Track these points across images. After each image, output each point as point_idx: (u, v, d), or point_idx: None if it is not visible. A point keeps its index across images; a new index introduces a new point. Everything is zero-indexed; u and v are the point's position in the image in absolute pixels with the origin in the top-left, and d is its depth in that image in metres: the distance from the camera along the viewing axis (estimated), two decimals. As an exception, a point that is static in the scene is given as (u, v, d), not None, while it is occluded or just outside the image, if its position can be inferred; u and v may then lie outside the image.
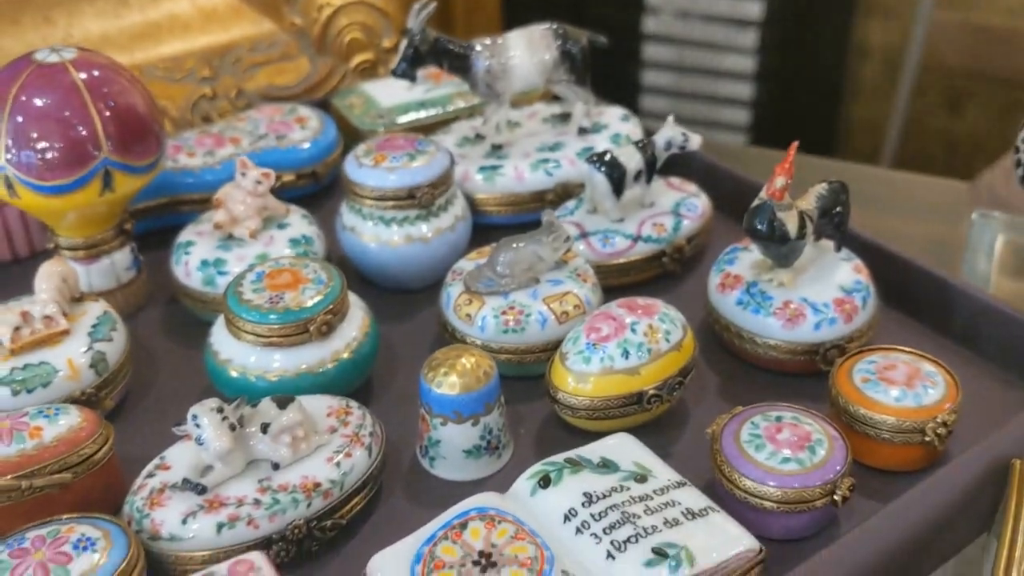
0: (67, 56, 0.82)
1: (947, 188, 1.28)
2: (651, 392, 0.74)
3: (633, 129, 1.06)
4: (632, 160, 0.91)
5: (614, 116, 1.07)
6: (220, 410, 0.66)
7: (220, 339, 0.78)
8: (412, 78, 0.98)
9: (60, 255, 0.88)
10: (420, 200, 0.89)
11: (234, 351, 0.77)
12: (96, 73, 0.82)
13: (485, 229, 1.00)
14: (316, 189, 1.08)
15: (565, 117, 1.07)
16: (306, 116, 1.09)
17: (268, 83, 1.23)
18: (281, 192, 1.03)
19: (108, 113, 0.81)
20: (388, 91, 1.16)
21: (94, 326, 0.80)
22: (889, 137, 2.03)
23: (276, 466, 0.68)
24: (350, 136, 1.13)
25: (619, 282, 0.91)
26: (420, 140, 0.93)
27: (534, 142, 1.04)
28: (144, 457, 0.72)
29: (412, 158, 0.90)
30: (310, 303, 0.76)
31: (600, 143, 1.02)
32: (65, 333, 0.78)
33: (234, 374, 0.77)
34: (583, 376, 0.74)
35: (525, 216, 1.01)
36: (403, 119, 1.12)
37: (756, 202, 0.78)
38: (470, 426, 0.72)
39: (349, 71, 1.27)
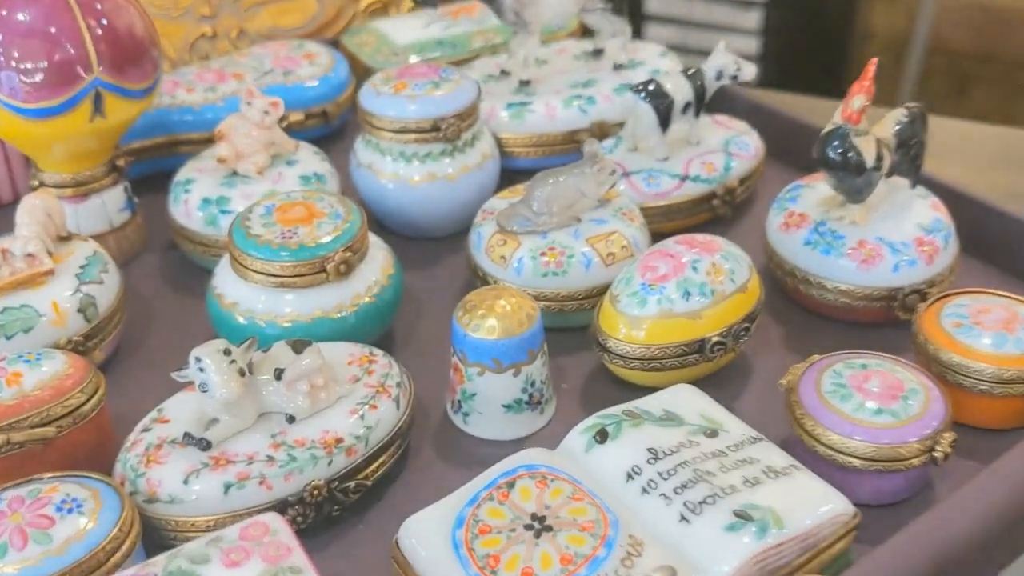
0: (53, -35, 0.73)
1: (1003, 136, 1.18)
2: (715, 339, 0.65)
3: (672, 65, 0.97)
4: (680, 90, 0.82)
5: (652, 52, 0.98)
6: (228, 352, 0.57)
7: (225, 280, 0.70)
8: (434, 4, 0.89)
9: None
10: (445, 133, 0.80)
11: (241, 293, 0.68)
12: (87, -15, 0.73)
13: (512, 173, 0.91)
14: (326, 131, 0.99)
15: (597, 54, 0.98)
16: (315, 52, 1.00)
17: (272, 24, 1.13)
18: (288, 133, 0.95)
19: (100, 31, 0.72)
20: (402, 29, 1.07)
21: (82, 267, 0.71)
22: None
23: (292, 418, 0.59)
24: (362, 76, 1.03)
25: (665, 227, 0.82)
26: (444, 68, 0.84)
27: (565, 79, 0.95)
28: (139, 414, 0.63)
29: (436, 86, 0.81)
30: (327, 239, 0.68)
31: (638, 79, 0.93)
32: (49, 273, 0.69)
33: (241, 319, 0.68)
34: (637, 321, 0.65)
35: (556, 159, 0.92)
36: (419, 58, 1.03)
37: (829, 127, 0.69)
38: (511, 376, 0.63)
39: (358, 12, 1.18)
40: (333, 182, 0.83)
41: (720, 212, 0.84)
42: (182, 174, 0.82)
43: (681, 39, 1.89)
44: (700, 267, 0.66)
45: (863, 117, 0.68)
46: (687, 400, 0.60)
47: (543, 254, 0.72)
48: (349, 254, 0.68)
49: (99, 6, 0.73)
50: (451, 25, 1.07)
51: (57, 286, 0.69)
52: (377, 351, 0.65)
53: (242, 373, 0.57)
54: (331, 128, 0.99)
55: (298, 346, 0.60)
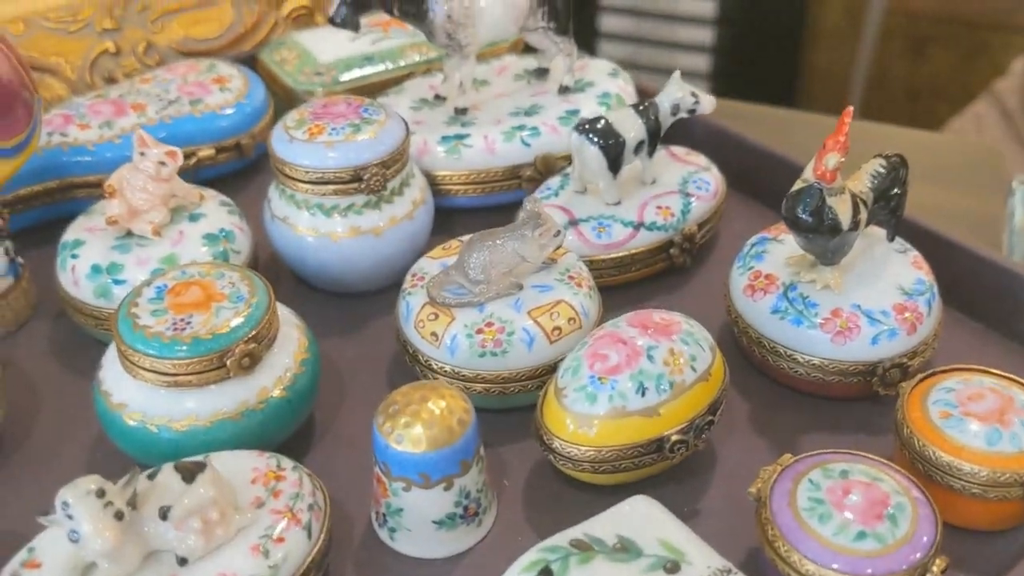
0: None
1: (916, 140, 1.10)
2: (675, 437, 0.57)
3: (624, 87, 0.88)
4: (631, 128, 0.73)
5: (600, 71, 0.89)
6: (101, 493, 0.48)
7: (112, 376, 0.60)
8: (355, 27, 0.79)
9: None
10: (369, 184, 0.71)
11: (130, 393, 0.59)
12: (-63, 27, 0.63)
13: (448, 213, 0.82)
14: (241, 165, 0.89)
15: (542, 73, 0.89)
16: (227, 75, 0.90)
17: (184, 35, 1.02)
18: (197, 172, 0.85)
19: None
20: (327, 43, 0.97)
21: (-54, 360, 0.61)
22: (854, 85, 1.92)
23: (183, 560, 0.50)
24: (282, 99, 0.94)
25: (617, 280, 0.74)
26: (366, 105, 0.74)
27: (506, 104, 0.86)
28: (18, 533, 0.55)
29: (357, 129, 0.71)
30: (226, 328, 0.58)
31: (586, 104, 0.84)
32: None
33: (131, 422, 0.59)
34: (586, 419, 0.57)
35: (496, 196, 0.83)
36: (346, 77, 0.93)
37: (799, 184, 0.61)
38: (442, 491, 0.55)
39: (281, 20, 1.07)
40: (243, 239, 0.73)
41: (678, 262, 0.76)
42: (70, 234, 0.72)
43: (632, 56, 1.82)
44: (656, 355, 0.57)
45: (838, 176, 0.60)
46: (645, 519, 0.52)
47: (480, 331, 0.63)
48: (254, 345, 0.59)
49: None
50: (381, 38, 0.97)
51: (-87, 388, 0.59)
52: (286, 462, 0.56)
53: (119, 516, 0.48)
54: (246, 162, 0.89)
55: (188, 472, 0.51)
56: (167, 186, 0.71)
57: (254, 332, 0.59)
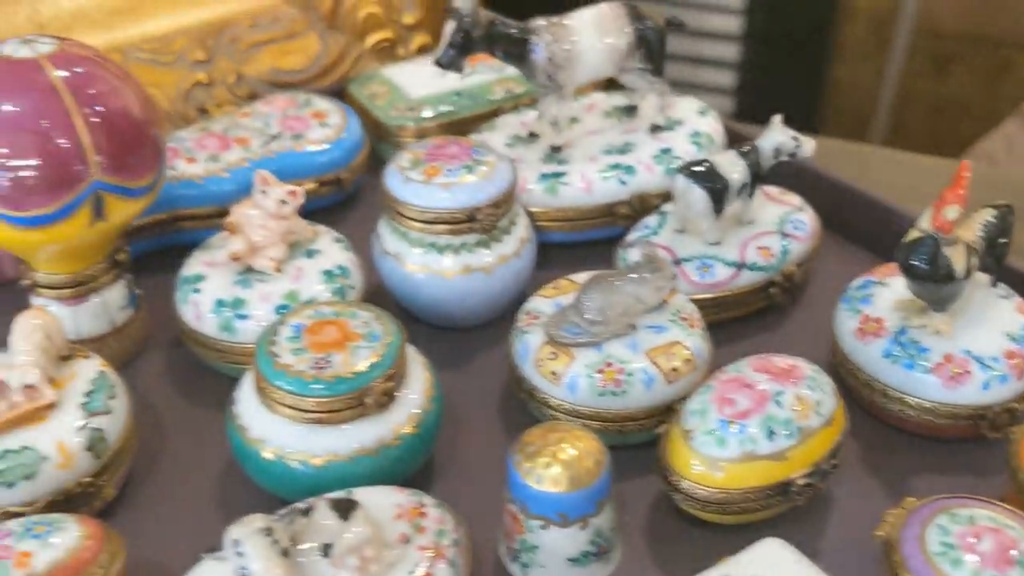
0: (43, 49, 0.65)
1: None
2: (801, 481, 0.59)
3: (713, 125, 0.90)
4: (735, 170, 0.75)
5: (689, 110, 0.91)
6: (269, 532, 0.50)
7: (249, 411, 0.62)
8: (459, 68, 0.81)
9: (35, 294, 0.72)
10: (482, 223, 0.73)
11: (269, 428, 0.61)
12: (79, 70, 0.65)
13: (543, 248, 0.84)
14: (339, 199, 0.91)
15: (631, 111, 0.91)
16: (325, 110, 0.92)
17: (272, 66, 1.05)
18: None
19: (96, 120, 0.64)
20: (415, 77, 0.99)
21: (88, 394, 0.63)
22: (879, 102, 1.94)
23: (336, 597, 0.52)
24: (373, 132, 0.96)
25: (717, 319, 0.76)
26: (476, 147, 0.76)
27: (598, 142, 0.88)
28: (154, 565, 0.57)
29: (470, 170, 0.74)
30: (364, 367, 0.61)
31: (678, 143, 0.87)
32: (51, 407, 0.62)
33: (269, 456, 0.61)
34: (715, 462, 0.59)
35: (591, 233, 0.85)
36: (435, 112, 0.95)
37: (915, 234, 0.63)
38: (578, 530, 0.57)
39: (364, 52, 1.10)
40: (357, 275, 0.75)
41: (778, 301, 0.78)
42: (190, 268, 0.74)
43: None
44: (784, 401, 0.59)
45: (955, 227, 0.62)
46: (779, 561, 0.54)
47: (600, 371, 0.65)
48: (391, 383, 0.61)
49: (93, 91, 0.64)
50: (469, 74, 1.00)
51: (61, 421, 0.61)
52: (427, 500, 0.58)
53: (286, 553, 0.50)
54: (345, 194, 0.91)
55: (344, 509, 0.53)
56: (286, 223, 0.73)
57: (391, 371, 0.61)
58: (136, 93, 0.67)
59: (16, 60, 0.63)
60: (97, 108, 0.64)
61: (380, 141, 0.96)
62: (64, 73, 0.64)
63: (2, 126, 0.62)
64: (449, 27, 0.79)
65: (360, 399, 0.60)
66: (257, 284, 0.72)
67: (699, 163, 0.75)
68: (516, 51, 0.81)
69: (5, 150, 0.62)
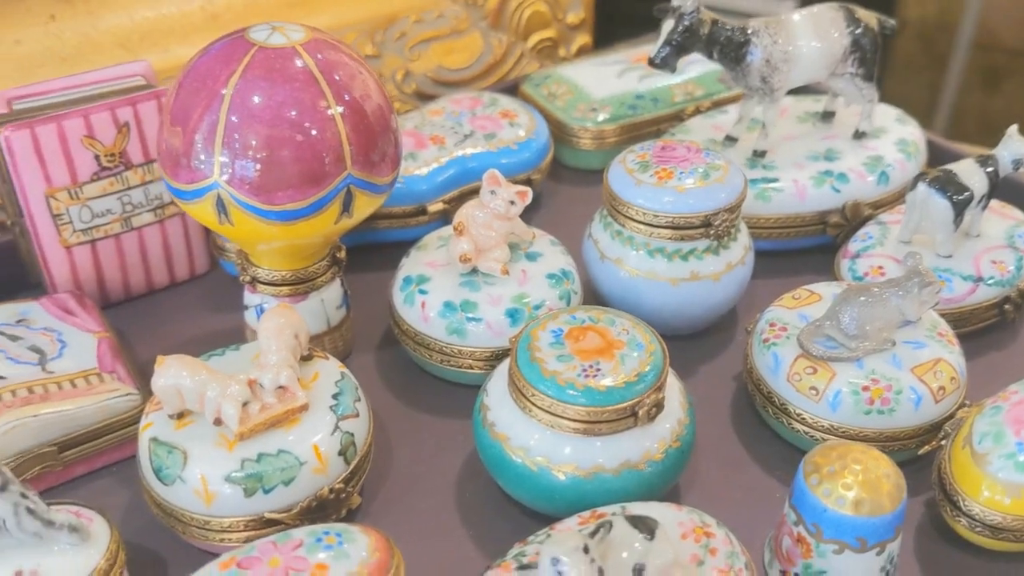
0: (295, 37, 0.62)
1: None
2: (1105, 510, 0.56)
3: (916, 133, 0.87)
4: (974, 180, 0.72)
5: (887, 117, 0.88)
6: (587, 550, 0.47)
7: (507, 419, 0.60)
8: (673, 68, 0.79)
9: (253, 290, 0.69)
10: (717, 229, 0.70)
11: (532, 437, 0.58)
12: (331, 59, 0.62)
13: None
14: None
15: (827, 117, 0.88)
16: (513, 110, 0.89)
17: (438, 64, 1.03)
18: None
19: (349, 112, 0.61)
20: (594, 79, 0.97)
21: (335, 396, 0.61)
22: (936, 116, 1.91)
23: (644, 620, 0.50)
24: (554, 134, 0.94)
25: (950, 334, 0.73)
26: (706, 151, 0.74)
27: (799, 149, 0.85)
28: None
29: (706, 175, 0.71)
30: (634, 376, 0.58)
31: (886, 150, 0.84)
32: (303, 409, 0.59)
33: (532, 467, 0.58)
34: (1015, 488, 0.55)
35: (799, 242, 0.83)
36: (617, 114, 0.93)
37: None
38: (874, 555, 0.54)
39: (527, 51, 1.08)
40: (577, 279, 0.73)
41: (1010, 317, 0.74)
42: (411, 269, 0.72)
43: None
44: (1085, 425, 0.56)
45: None
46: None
47: (865, 388, 0.62)
48: (661, 395, 0.58)
49: (343, 81, 0.62)
50: (647, 75, 0.97)
51: (313, 425, 0.59)
52: (709, 519, 0.55)
53: (601, 573, 0.48)
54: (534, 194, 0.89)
55: (648, 528, 0.50)
56: (509, 224, 0.71)
57: (660, 381, 0.58)
58: (377, 84, 0.65)
59: (274, 48, 0.61)
60: (347, 98, 0.62)
61: (557, 142, 0.94)
62: (319, 62, 0.61)
63: (262, 116, 0.59)
64: (667, 26, 0.77)
65: (632, 410, 0.57)
66: (484, 287, 0.69)
67: (942, 173, 0.72)
68: (733, 52, 0.78)
69: (262, 141, 0.59)
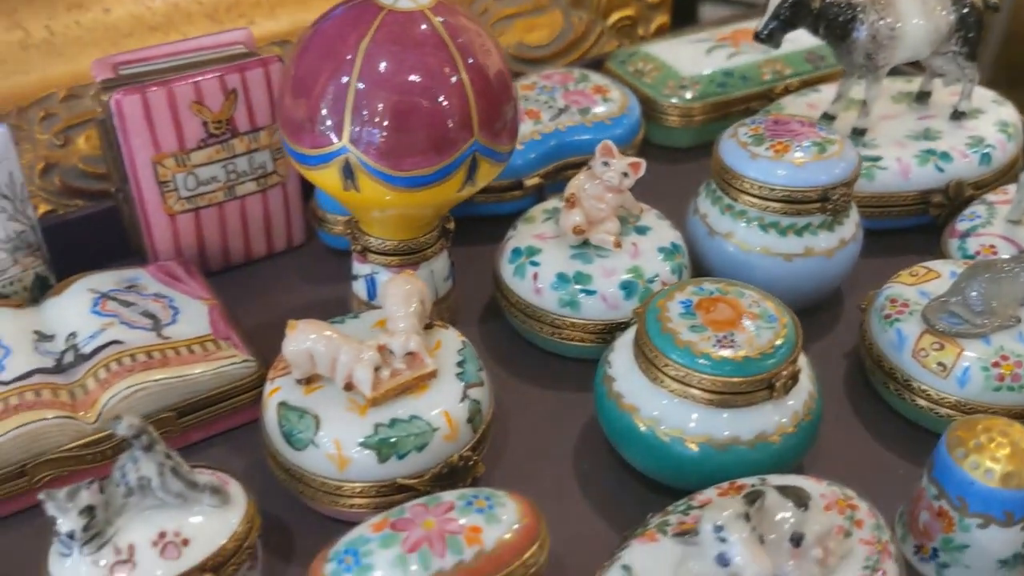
0: (421, 0, 0.61)
1: None
2: None
3: (1013, 115, 0.86)
4: (1093, 161, 0.71)
5: (983, 98, 0.87)
6: (748, 517, 0.47)
7: (636, 390, 0.59)
8: (778, 43, 0.78)
9: (363, 260, 0.69)
10: (835, 204, 0.69)
11: (663, 408, 0.58)
12: (454, 23, 0.61)
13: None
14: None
15: (923, 96, 0.87)
16: (604, 86, 0.89)
17: (519, 40, 1.02)
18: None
19: (476, 77, 0.60)
20: (679, 55, 0.96)
21: (459, 364, 0.60)
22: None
23: (798, 591, 0.49)
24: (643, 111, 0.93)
25: (1062, 315, 0.72)
26: (819, 125, 0.73)
27: (897, 127, 0.84)
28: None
29: (822, 149, 0.70)
30: (770, 348, 0.57)
31: (986, 131, 0.83)
32: (432, 376, 0.59)
33: (664, 439, 0.58)
34: None
35: (901, 221, 0.82)
36: (706, 91, 0.92)
37: None
38: (1019, 530, 0.53)
39: (606, 29, 1.07)
40: (686, 253, 0.72)
41: (1124, 299, 0.73)
42: (520, 241, 0.71)
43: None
44: None
45: None
46: None
47: (995, 364, 0.61)
48: (797, 367, 0.58)
49: (468, 46, 0.61)
50: (734, 53, 0.96)
51: (441, 391, 0.58)
52: (850, 492, 0.54)
53: (761, 540, 0.47)
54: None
55: (796, 498, 0.50)
56: (620, 197, 0.70)
57: (795, 354, 0.58)
58: (498, 49, 0.64)
59: (402, 11, 0.60)
60: (472, 63, 0.60)
61: (649, 120, 0.93)
62: (447, 26, 0.60)
63: (393, 81, 0.58)
64: (775, 0, 0.76)
65: (769, 382, 0.57)
66: (597, 259, 0.69)
67: (1056, 150, 0.71)
68: (840, 28, 0.77)
69: (393, 106, 0.58)
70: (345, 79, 0.58)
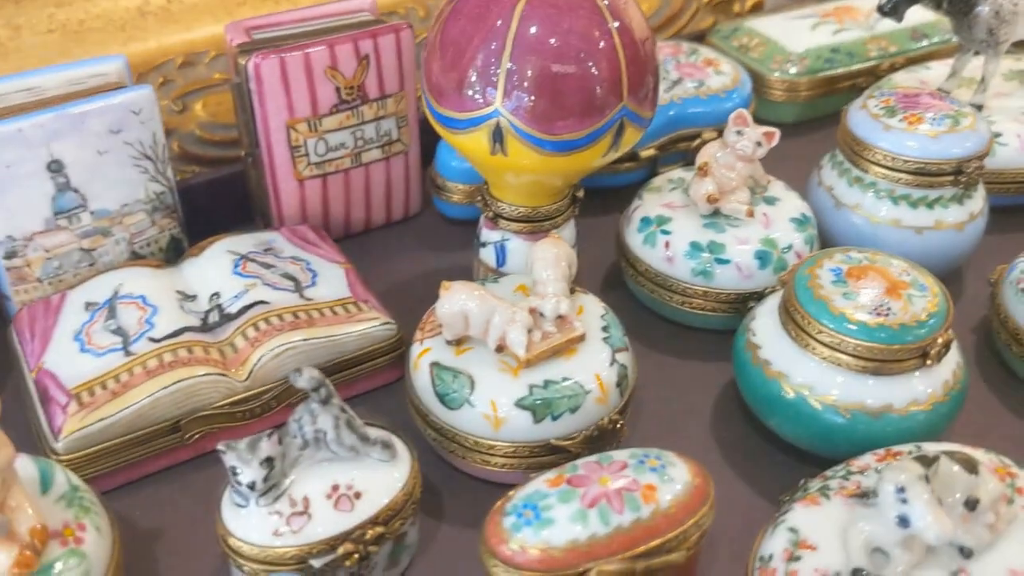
0: (572, -36, 0.61)
1: None
2: None
3: None
4: None
5: (1099, 76, 0.87)
6: (927, 479, 0.47)
7: (785, 357, 0.59)
8: (900, 17, 0.78)
9: (494, 226, 0.69)
10: (969, 177, 0.69)
11: (813, 374, 0.58)
12: (607, -12, 0.61)
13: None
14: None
15: (1034, 75, 0.87)
16: (715, 59, 0.89)
17: (618, 15, 1.02)
18: (687, 155, 0.84)
19: (625, 42, 0.60)
20: (785, 30, 0.96)
21: (604, 329, 0.61)
22: None
23: (969, 552, 0.49)
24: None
25: None
26: (951, 98, 0.72)
27: (1014, 105, 0.83)
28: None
29: (955, 122, 0.70)
30: (925, 316, 0.57)
31: (1103, 109, 0.82)
32: (581, 339, 0.59)
33: (816, 405, 0.58)
34: None
35: (1013, 199, 0.81)
36: (813, 67, 0.92)
37: None
38: None
39: (702, 6, 1.06)
40: (815, 225, 0.72)
41: None
42: (648, 210, 0.71)
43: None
44: None
45: None
46: None
47: None
48: (951, 335, 0.58)
49: (622, 13, 0.60)
50: (839, 30, 0.96)
51: (591, 355, 0.59)
52: (1008, 460, 0.54)
53: (940, 502, 0.47)
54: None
55: (965, 463, 0.50)
56: (750, 166, 0.70)
57: (948, 322, 0.58)
58: (641, 14, 0.64)
59: (555, -25, 0.60)
60: (622, 27, 0.60)
61: (756, 95, 0.93)
62: (600, -10, 0.60)
63: (548, 44, 0.58)
64: (899, -28, 0.76)
65: (924, 350, 0.57)
66: (729, 229, 0.69)
67: None
68: (963, 3, 0.77)
69: (548, 70, 0.58)
70: (501, 42, 0.59)
